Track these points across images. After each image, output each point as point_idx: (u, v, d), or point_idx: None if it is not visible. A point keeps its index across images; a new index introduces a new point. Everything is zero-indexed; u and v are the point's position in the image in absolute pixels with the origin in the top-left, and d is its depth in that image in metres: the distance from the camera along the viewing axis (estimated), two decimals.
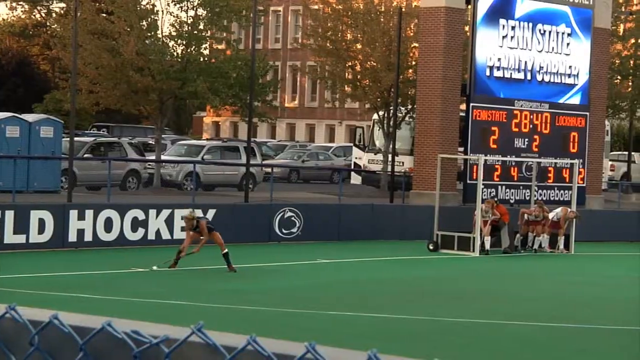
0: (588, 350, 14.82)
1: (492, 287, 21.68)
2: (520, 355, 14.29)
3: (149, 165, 40.18)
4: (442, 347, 14.02)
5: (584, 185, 34.31)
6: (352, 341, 13.23)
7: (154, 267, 21.27)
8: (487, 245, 28.17)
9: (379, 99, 44.09)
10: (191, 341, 2.17)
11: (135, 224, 25.80)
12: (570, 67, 34.78)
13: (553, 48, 34.23)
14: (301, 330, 14.41)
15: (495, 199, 30.20)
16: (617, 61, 49.57)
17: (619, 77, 50.82)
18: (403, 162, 39.64)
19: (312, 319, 16.11)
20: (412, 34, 42.50)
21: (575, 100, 34.96)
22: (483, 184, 29.85)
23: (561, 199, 33.45)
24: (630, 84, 50.80)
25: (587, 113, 34.96)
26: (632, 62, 50.55)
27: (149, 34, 40.71)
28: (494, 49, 32.88)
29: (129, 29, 39.74)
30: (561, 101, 34.52)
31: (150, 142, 47.91)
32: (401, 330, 15.47)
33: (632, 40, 50.52)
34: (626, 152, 53.00)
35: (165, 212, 26.32)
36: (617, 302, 19.96)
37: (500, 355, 14.18)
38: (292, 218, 28.84)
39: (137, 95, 40.49)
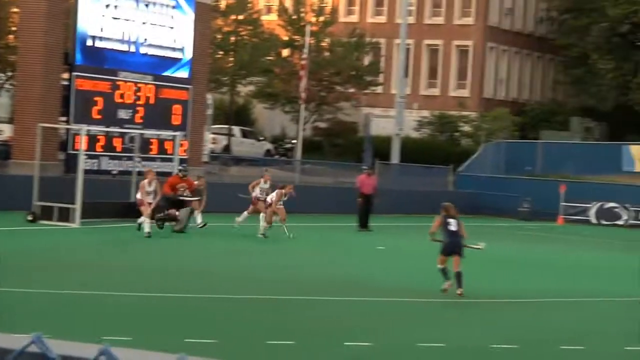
0: (197, 316, 15.04)
1: (92, 258, 21.44)
2: (123, 323, 14.23)
3: None
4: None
5: (186, 157, 34.86)
6: None
7: None
8: (147, 228, 25.77)
9: None
10: None
11: None
12: (175, 40, 35.11)
13: (157, 21, 34.37)
14: None
15: (181, 171, 28.81)
16: (219, 36, 50.79)
17: (221, 52, 52.09)
18: (2, 131, 38.30)
19: None
20: None
21: (180, 73, 35.38)
22: (86, 155, 29.49)
23: (164, 170, 33.76)
24: (231, 59, 52.24)
25: (191, 86, 35.50)
26: (233, 38, 51.99)
27: None
28: (98, 18, 32.46)
29: None
30: (166, 74, 34.77)
31: None
32: None
33: (233, 17, 51.95)
34: (227, 126, 54.48)
35: None
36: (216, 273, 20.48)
37: (102, 324, 14.06)
38: None
39: None
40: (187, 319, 14.81)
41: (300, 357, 12.73)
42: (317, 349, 13.30)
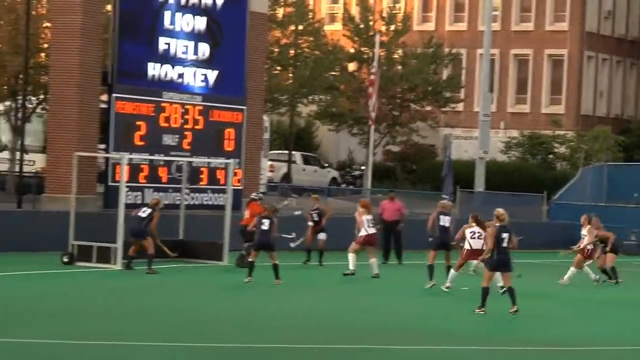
0: None
1: (129, 303, 21.48)
2: None
3: None
4: None
5: (241, 187, 34.92)
6: None
7: None
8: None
9: (4, 87, 42.84)
10: None
11: None
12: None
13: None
14: None
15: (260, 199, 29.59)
16: (276, 50, 50.91)
17: (278, 68, 52.17)
18: (34, 161, 38.83)
19: None
20: (44, 12, 41.59)
21: (233, 92, 35.37)
22: (127, 187, 29.75)
23: (215, 202, 33.96)
24: (290, 75, 52.30)
25: (245, 107, 35.57)
26: (292, 51, 52.10)
27: None
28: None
29: None
30: (217, 93, 34.82)
31: None
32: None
33: (292, 27, 52.07)
34: (287, 151, 54.55)
35: None
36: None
37: None
38: None
39: None
40: None
41: None
42: None
